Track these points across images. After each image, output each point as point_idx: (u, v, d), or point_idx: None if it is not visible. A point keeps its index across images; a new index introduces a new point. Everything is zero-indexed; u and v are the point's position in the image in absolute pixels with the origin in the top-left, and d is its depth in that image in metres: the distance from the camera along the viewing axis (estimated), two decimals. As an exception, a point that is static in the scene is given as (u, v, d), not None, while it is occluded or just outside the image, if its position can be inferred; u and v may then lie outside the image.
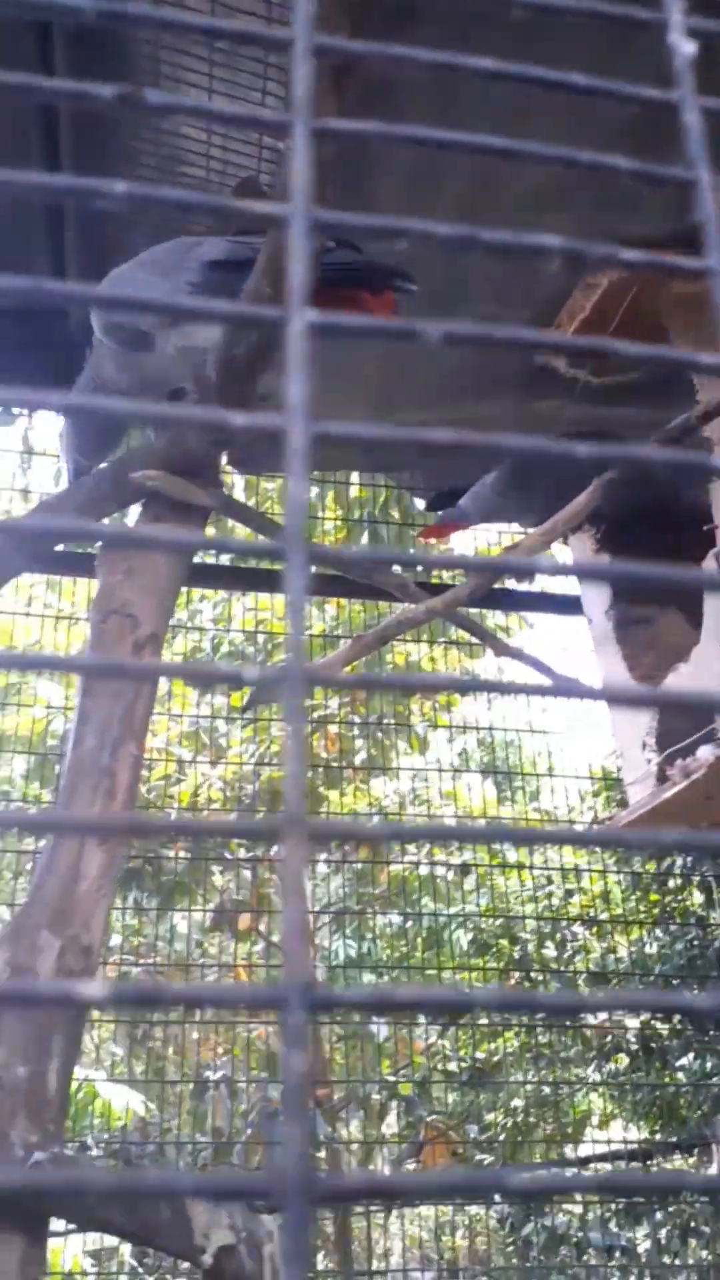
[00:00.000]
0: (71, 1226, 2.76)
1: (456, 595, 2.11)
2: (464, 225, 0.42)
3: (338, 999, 0.30)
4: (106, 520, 2.06)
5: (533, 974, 4.35)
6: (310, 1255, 0.26)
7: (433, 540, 3.38)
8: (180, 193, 0.39)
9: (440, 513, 2.56)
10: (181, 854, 4.99)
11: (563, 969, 4.37)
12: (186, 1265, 4.97)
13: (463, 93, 1.88)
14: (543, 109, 1.82)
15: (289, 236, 0.40)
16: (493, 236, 0.42)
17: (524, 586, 3.11)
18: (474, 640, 4.53)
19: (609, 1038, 4.24)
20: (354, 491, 4.89)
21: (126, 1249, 5.22)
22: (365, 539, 4.96)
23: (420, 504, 4.83)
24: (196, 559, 2.75)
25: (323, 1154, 5.15)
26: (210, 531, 2.43)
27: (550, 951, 4.52)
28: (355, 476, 4.40)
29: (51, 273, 2.40)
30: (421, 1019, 4.92)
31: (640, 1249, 4.10)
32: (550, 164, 0.44)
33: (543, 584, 3.30)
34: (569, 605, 3.13)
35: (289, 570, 0.35)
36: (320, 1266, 5.02)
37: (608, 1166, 3.77)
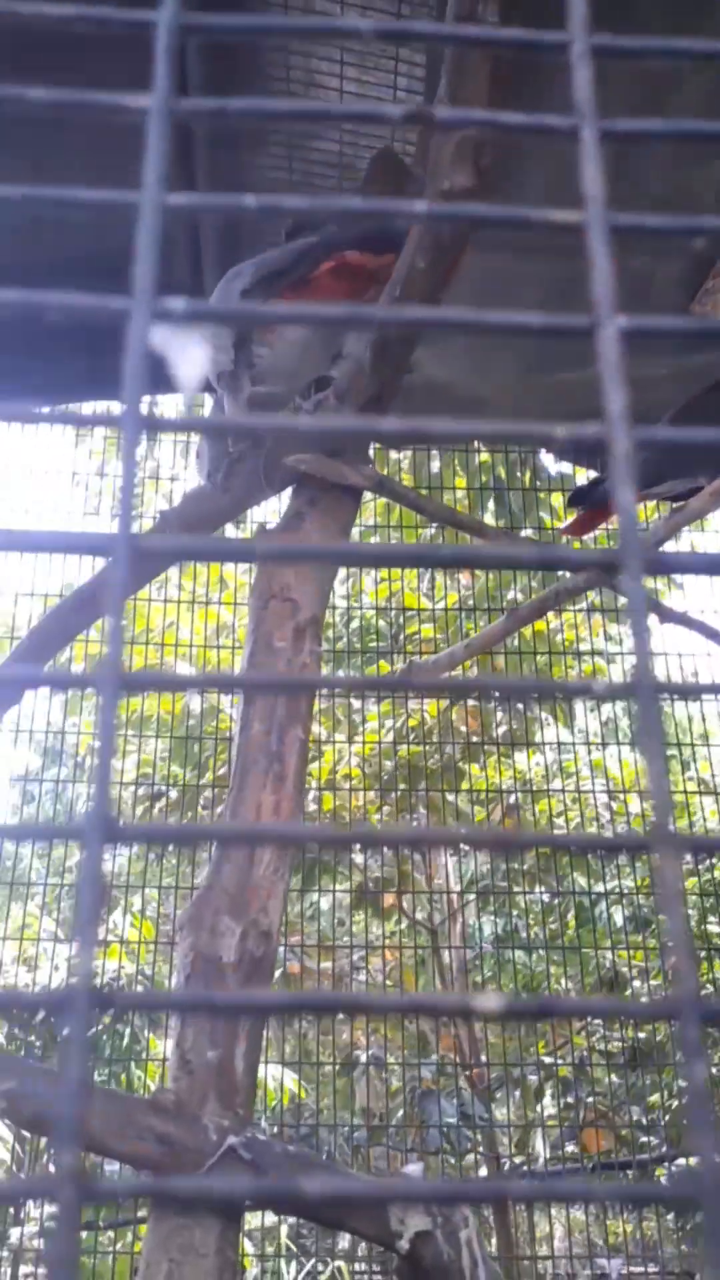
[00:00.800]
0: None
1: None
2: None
3: (733, 1010, 0.31)
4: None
5: (699, 952, 4.30)
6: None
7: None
8: (479, 206, 0.41)
9: (589, 499, 2.49)
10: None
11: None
12: (344, 1245, 5.08)
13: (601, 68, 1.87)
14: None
15: (588, 242, 0.41)
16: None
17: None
18: (620, 605, 4.47)
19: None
20: (478, 458, 4.88)
21: (285, 1229, 5.37)
22: (492, 505, 4.95)
23: (550, 461, 4.76)
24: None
25: (478, 1135, 5.20)
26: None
27: (715, 927, 4.47)
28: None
29: (190, 277, 2.48)
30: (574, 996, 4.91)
31: None
32: None
33: (701, 544, 3.23)
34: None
35: (628, 581, 0.37)
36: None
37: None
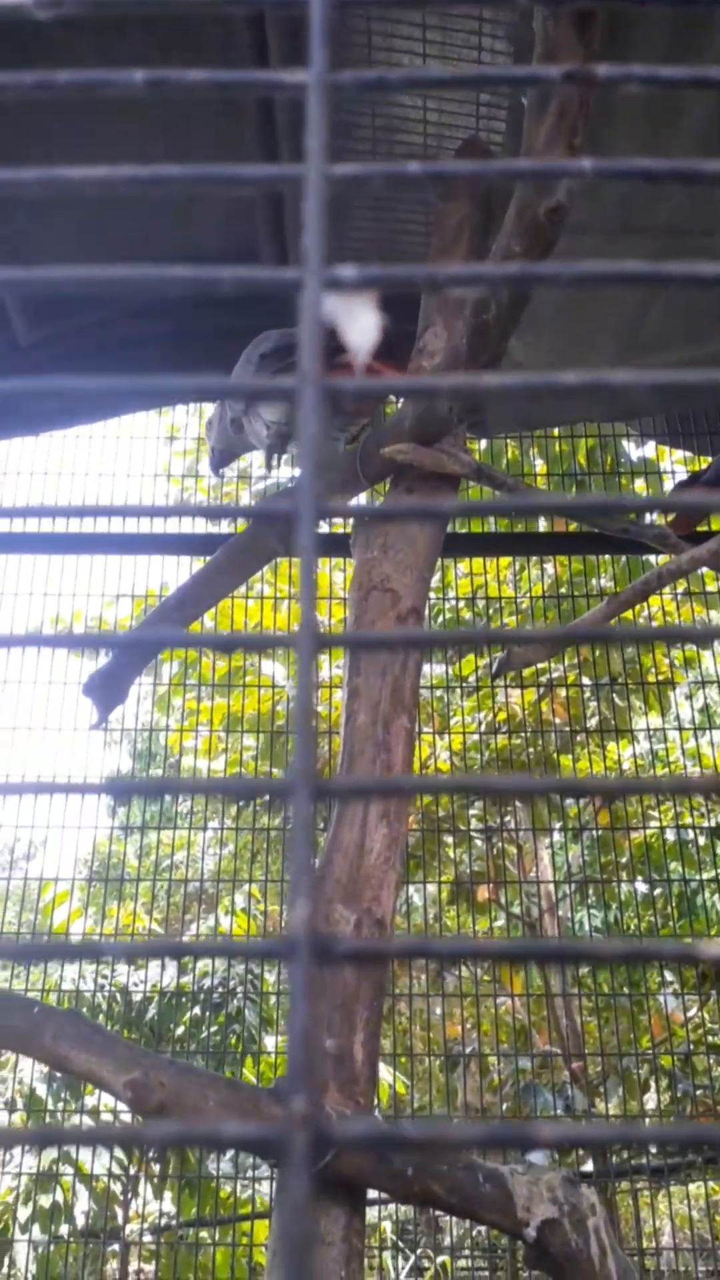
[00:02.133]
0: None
1: (724, 543, 2.06)
2: None
3: None
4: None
5: None
6: None
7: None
8: (646, 161, 0.40)
9: (699, 483, 2.44)
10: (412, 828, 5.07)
11: None
12: (449, 1240, 5.07)
13: (698, 33, 1.85)
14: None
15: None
16: None
17: None
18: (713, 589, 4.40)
19: None
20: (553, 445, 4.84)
21: (388, 1224, 5.39)
22: (574, 491, 4.91)
23: (633, 448, 4.69)
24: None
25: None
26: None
27: None
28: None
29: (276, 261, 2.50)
30: (676, 988, 4.86)
31: None
32: None
33: None
34: None
35: None
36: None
37: None
